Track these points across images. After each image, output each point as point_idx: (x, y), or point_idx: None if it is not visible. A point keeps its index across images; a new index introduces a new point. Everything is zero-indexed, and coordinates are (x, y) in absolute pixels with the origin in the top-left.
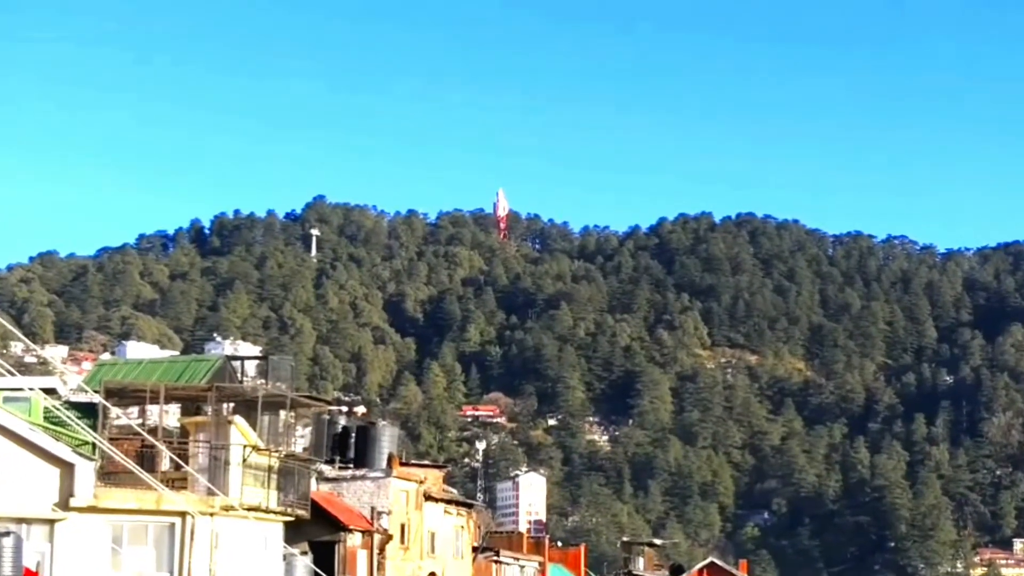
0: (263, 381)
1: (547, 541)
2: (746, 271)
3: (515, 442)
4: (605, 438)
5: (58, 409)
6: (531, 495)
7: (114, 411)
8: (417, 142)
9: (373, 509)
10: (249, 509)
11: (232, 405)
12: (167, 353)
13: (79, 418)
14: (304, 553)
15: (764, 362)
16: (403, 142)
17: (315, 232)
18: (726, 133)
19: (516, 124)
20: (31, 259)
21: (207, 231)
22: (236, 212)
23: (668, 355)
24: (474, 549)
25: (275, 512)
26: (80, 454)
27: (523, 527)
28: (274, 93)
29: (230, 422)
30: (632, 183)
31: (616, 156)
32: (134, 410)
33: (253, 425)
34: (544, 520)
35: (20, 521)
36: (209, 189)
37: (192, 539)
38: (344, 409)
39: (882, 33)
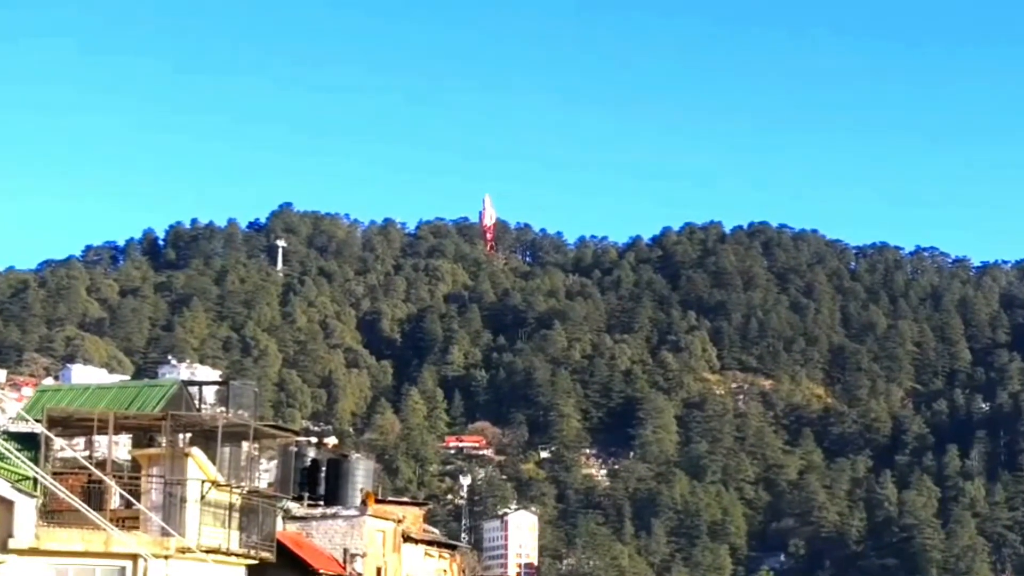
0: (223, 409)
1: None
2: (759, 286)
3: (503, 477)
4: (603, 472)
5: None
6: (521, 535)
7: (58, 442)
8: (394, 144)
9: (346, 551)
10: (208, 551)
11: (189, 436)
12: (116, 378)
13: (19, 450)
14: None
15: (779, 388)
16: (379, 144)
17: (281, 243)
18: (736, 135)
19: (504, 125)
20: None
21: (161, 242)
22: (194, 221)
23: (673, 380)
24: None
25: (237, 555)
26: (20, 490)
27: (512, 571)
28: (236, 90)
29: (187, 455)
30: (633, 189)
31: (615, 160)
32: (80, 441)
33: (212, 458)
34: (536, 563)
35: None
36: (164, 196)
37: None
38: (313, 440)
39: (910, 32)
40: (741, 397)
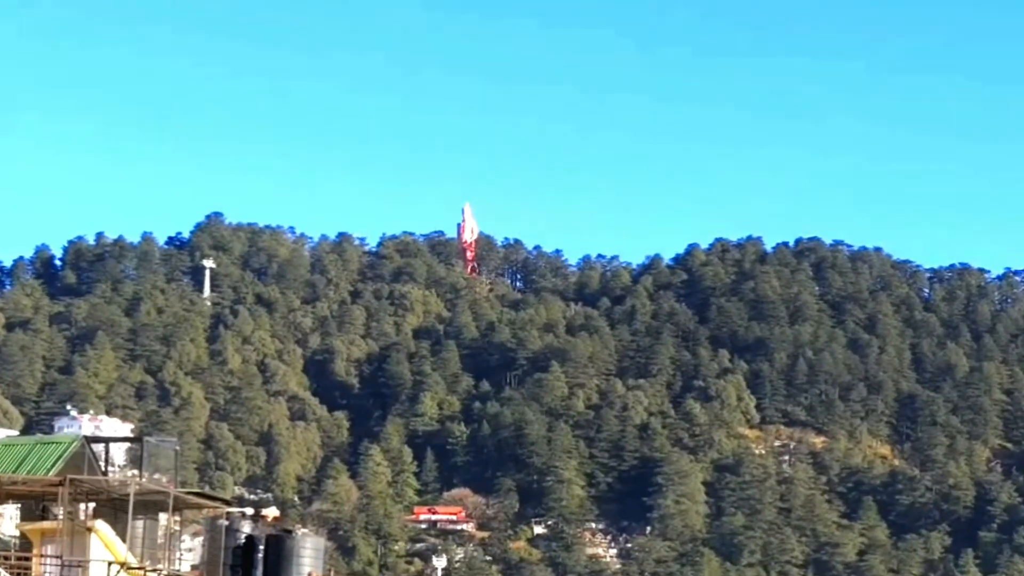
0: (136, 472)
1: None
2: (809, 319)
3: (488, 557)
4: (613, 552)
5: None
6: None
7: None
8: (350, 142)
9: None
10: None
11: (92, 506)
12: (2, 433)
13: None
14: None
15: (834, 446)
16: (330, 142)
17: (209, 263)
18: (779, 132)
19: (486, 119)
20: None
21: (58, 262)
22: (99, 236)
23: (701, 436)
24: None
25: None
26: None
27: None
28: (148, 77)
29: (89, 529)
30: (649, 198)
31: (626, 162)
32: None
33: (122, 534)
34: None
35: None
36: (62, 206)
37: None
38: (249, 512)
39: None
40: (786, 458)
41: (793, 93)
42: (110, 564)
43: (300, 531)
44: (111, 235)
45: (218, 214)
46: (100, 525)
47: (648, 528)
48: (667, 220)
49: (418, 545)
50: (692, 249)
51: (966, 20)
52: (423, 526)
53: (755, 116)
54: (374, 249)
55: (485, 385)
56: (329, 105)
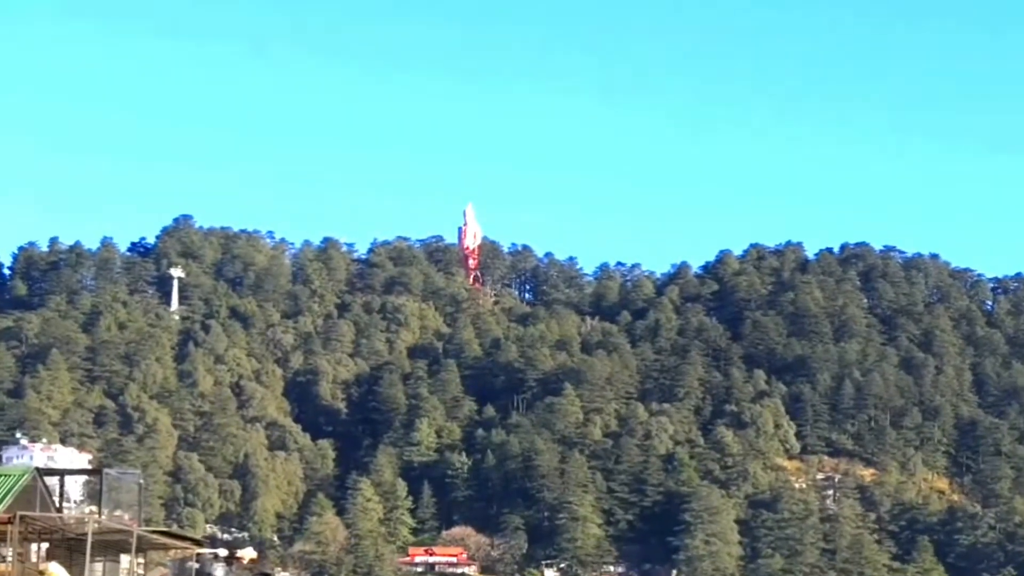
0: (94, 509)
1: None
2: (856, 335)
3: None
4: None
5: None
6: None
7: None
8: (336, 137)
9: None
10: None
11: (45, 546)
12: None
13: None
14: None
15: (885, 479)
16: (314, 138)
17: (177, 273)
18: (820, 126)
19: (490, 114)
20: None
21: (7, 271)
22: (52, 242)
23: (734, 468)
24: None
25: None
26: None
27: None
28: (112, 69)
29: (42, 573)
30: (675, 199)
31: (649, 160)
32: None
33: None
34: None
35: None
36: (11, 208)
37: None
38: (222, 553)
39: None
40: (830, 493)
41: (837, 82)
42: None
43: (280, 575)
44: (66, 241)
45: (187, 217)
46: (54, 568)
47: (674, 572)
48: (695, 224)
49: None
50: (724, 256)
51: None
52: (419, 570)
53: (792, 107)
54: (364, 256)
55: (489, 410)
56: (311, 96)
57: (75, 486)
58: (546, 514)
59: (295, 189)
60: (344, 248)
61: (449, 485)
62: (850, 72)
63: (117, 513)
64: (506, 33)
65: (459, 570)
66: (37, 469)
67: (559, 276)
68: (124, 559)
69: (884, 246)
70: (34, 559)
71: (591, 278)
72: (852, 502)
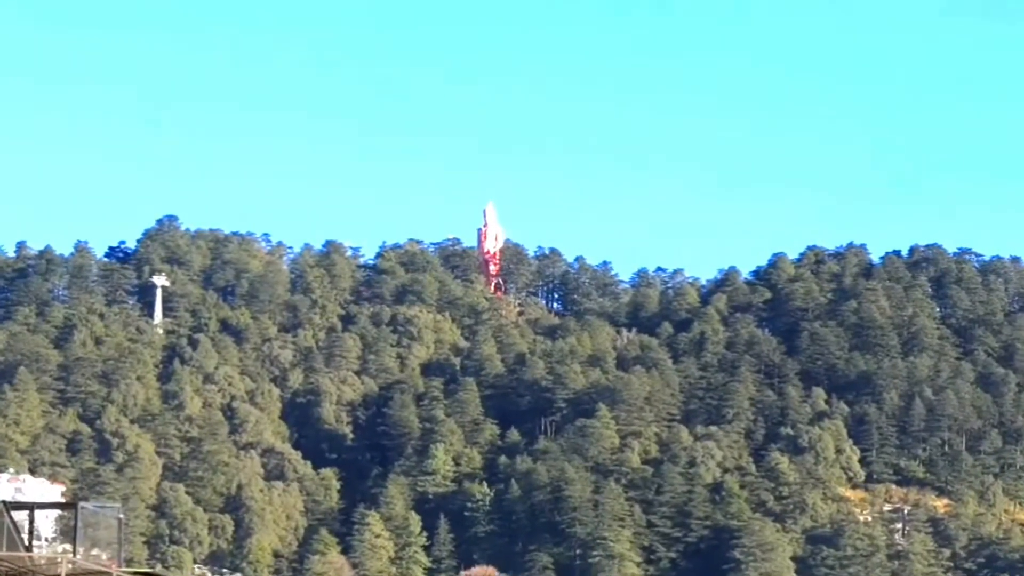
0: (68, 547)
1: None
2: (927, 348)
3: None
4: None
5: None
6: None
7: None
8: (339, 129)
9: None
10: None
11: None
12: None
13: None
14: None
15: (961, 511)
16: (314, 131)
17: (160, 281)
18: (884, 114)
19: (515, 105)
20: None
21: None
22: (20, 247)
23: (789, 499)
24: None
25: None
26: None
27: None
28: (88, 53)
29: None
30: (722, 197)
31: (691, 153)
32: None
33: None
34: None
35: None
36: None
37: None
38: None
39: None
40: (899, 526)
41: (903, 69)
42: None
43: None
44: (35, 245)
45: (172, 218)
46: None
47: None
48: (745, 224)
49: None
50: (777, 260)
51: None
52: None
53: (853, 94)
54: (371, 262)
55: (514, 434)
56: (308, 85)
57: (46, 522)
58: (578, 551)
59: (293, 186)
60: (349, 252)
61: (468, 519)
62: (918, 61)
63: (94, 552)
64: (537, 15)
65: None
66: (4, 502)
67: (591, 283)
68: None
69: (958, 248)
70: None
71: (627, 285)
72: (923, 537)
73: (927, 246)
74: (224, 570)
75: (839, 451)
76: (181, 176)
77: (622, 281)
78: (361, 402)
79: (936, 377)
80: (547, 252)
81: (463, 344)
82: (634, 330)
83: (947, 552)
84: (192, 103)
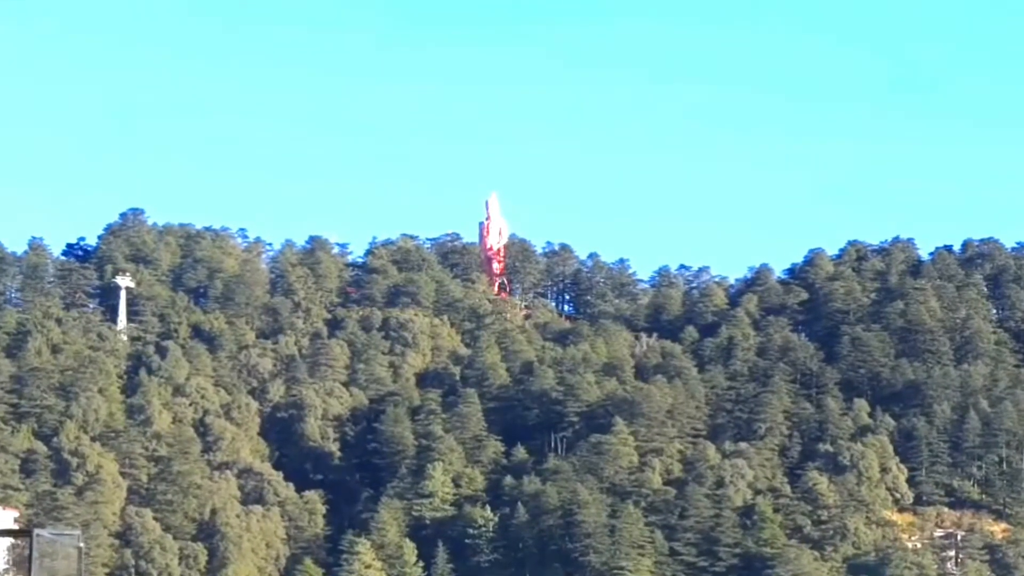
0: None
1: None
2: (983, 354)
3: None
4: None
5: None
6: None
7: None
8: (324, 116)
9: None
10: None
11: None
12: None
13: None
14: None
15: (1021, 536)
16: (295, 117)
17: (125, 282)
18: (931, 97)
19: (520, 89)
20: None
21: None
22: None
23: (829, 523)
24: None
25: None
26: None
27: None
28: (38, 38)
29: None
30: (751, 188)
31: (718, 141)
32: None
33: None
34: None
35: None
36: None
37: None
38: None
39: None
40: (951, 554)
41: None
42: None
43: None
44: None
45: (137, 211)
46: None
47: None
48: (777, 218)
49: None
50: (814, 257)
51: None
52: None
53: (900, 75)
54: (361, 260)
55: (520, 452)
56: (290, 69)
57: None
58: None
59: (272, 176)
60: (336, 249)
61: (470, 547)
62: (975, 42)
63: None
64: None
65: None
66: None
67: (606, 283)
68: None
69: (1017, 243)
70: None
71: (647, 285)
72: (979, 565)
73: (982, 240)
74: None
75: (884, 470)
76: (147, 165)
77: (641, 281)
78: (349, 417)
79: (993, 387)
80: (557, 248)
81: (463, 351)
82: (654, 335)
83: None
84: (159, 86)
